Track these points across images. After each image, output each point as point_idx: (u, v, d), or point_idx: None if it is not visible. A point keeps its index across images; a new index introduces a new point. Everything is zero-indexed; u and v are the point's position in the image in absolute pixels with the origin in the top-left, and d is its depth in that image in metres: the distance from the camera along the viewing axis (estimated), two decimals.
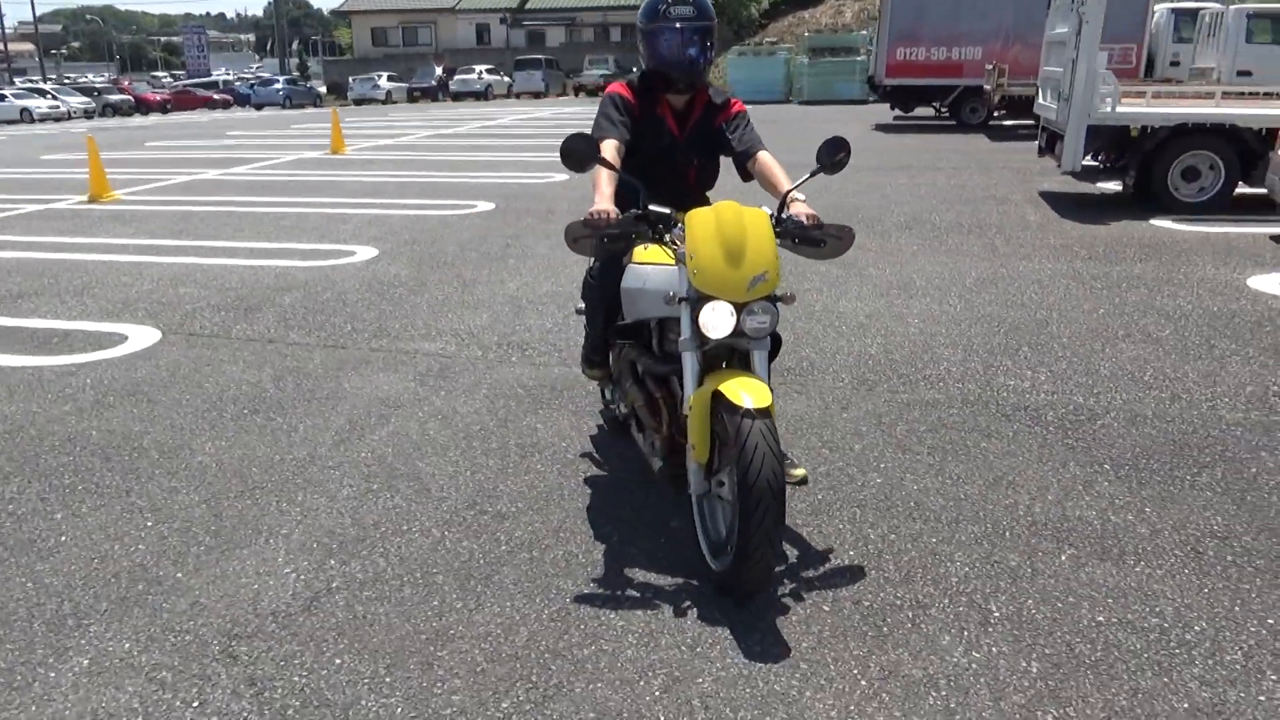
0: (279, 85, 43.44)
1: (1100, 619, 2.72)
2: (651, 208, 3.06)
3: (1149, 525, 3.26)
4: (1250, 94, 10.53)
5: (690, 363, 2.93)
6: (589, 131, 3.18)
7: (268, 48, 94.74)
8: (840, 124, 19.99)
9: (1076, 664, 2.52)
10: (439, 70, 45.52)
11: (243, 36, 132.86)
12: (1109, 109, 9.31)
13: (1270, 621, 2.71)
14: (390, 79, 44.16)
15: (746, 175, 3.52)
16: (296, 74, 58.72)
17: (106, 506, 3.52)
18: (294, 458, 3.94)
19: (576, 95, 42.76)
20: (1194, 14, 18.19)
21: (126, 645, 2.67)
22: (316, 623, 2.76)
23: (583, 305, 4.12)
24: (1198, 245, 7.91)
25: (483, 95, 43.04)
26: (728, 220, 2.89)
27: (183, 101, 42.50)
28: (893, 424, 4.20)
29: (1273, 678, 2.46)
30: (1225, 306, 6.03)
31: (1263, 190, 8.81)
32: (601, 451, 3.99)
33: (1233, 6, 16.88)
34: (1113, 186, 10.70)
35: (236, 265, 7.71)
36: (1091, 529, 3.24)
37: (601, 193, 3.16)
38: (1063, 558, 3.06)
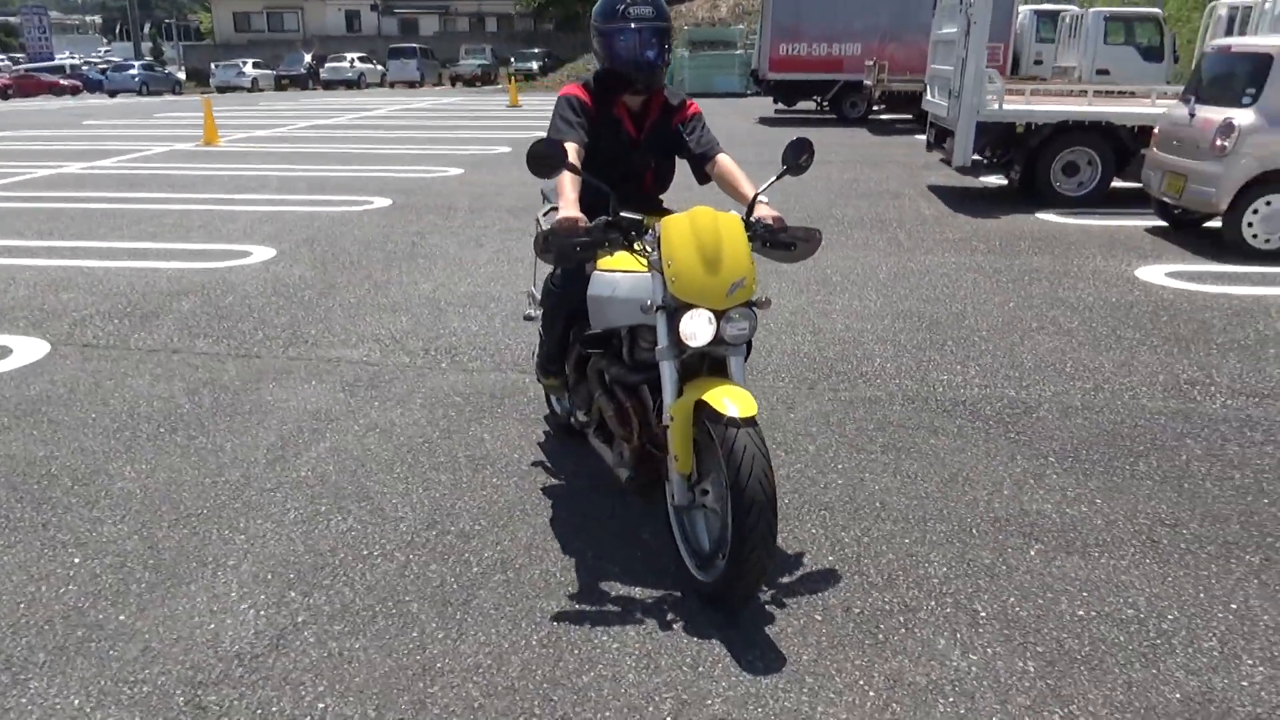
0: (134, 71, 40.86)
1: (1081, 613, 2.80)
2: (623, 214, 2.97)
3: (1103, 516, 3.38)
4: (1120, 93, 11.15)
5: (669, 372, 2.87)
6: (546, 134, 3.10)
7: (116, 31, 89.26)
8: (724, 117, 20.18)
9: (1069, 660, 2.58)
10: (308, 58, 43.86)
11: (88, 18, 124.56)
12: (996, 107, 9.69)
13: (1234, 606, 2.84)
14: (256, 66, 42.27)
15: (704, 178, 3.47)
16: (150, 59, 55.44)
17: (24, 543, 3.20)
18: (227, 480, 3.67)
19: (454, 85, 41.95)
20: (1054, 15, 19.19)
21: (76, 701, 2.42)
22: (288, 663, 2.57)
23: (533, 312, 4.01)
24: (1083, 238, 8.32)
25: (355, 84, 41.71)
26: (703, 226, 2.83)
27: (25, 87, 39.50)
28: (841, 423, 4.24)
29: (1249, 662, 2.57)
30: (1122, 297, 6.35)
31: (1136, 184, 9.35)
32: (555, 461, 3.88)
33: (1090, 10, 17.88)
34: (995, 181, 11.16)
35: (121, 268, 7.18)
36: (1051, 522, 3.34)
37: (566, 199, 3.06)
38: (1031, 553, 3.14)
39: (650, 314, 2.88)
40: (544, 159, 2.88)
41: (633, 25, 3.22)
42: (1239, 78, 7.64)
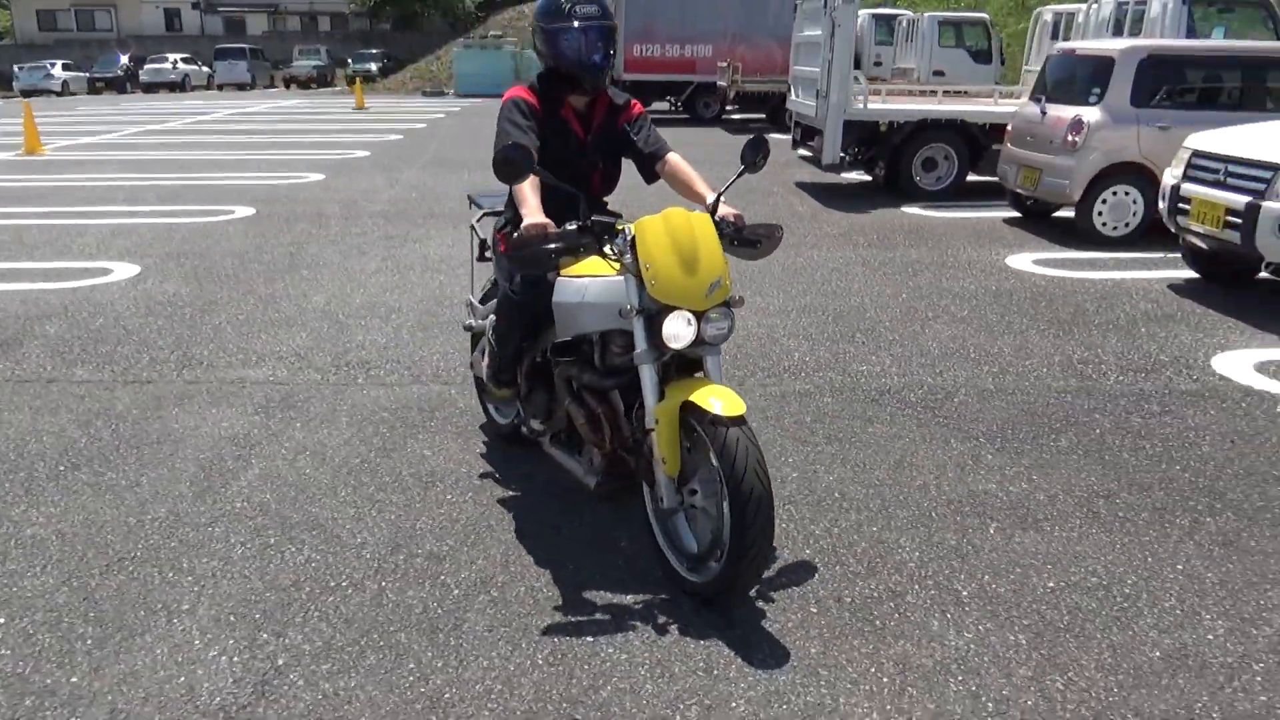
0: None
1: (1051, 585, 2.95)
2: (595, 217, 2.94)
3: (1044, 492, 3.58)
4: (966, 93, 11.82)
5: (650, 375, 2.84)
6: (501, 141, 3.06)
7: None
8: None
9: (1054, 630, 2.71)
10: (125, 58, 41.00)
11: None
12: (862, 106, 10.11)
13: (1180, 567, 3.06)
14: (66, 68, 39.15)
15: (653, 177, 3.46)
16: None
17: None
18: (154, 518, 3.39)
19: (287, 88, 40.18)
20: (890, 20, 20.18)
21: None
22: (281, 710, 2.39)
23: (474, 322, 3.89)
24: (951, 230, 8.79)
25: (179, 86, 39.31)
26: (678, 227, 2.82)
27: None
28: (779, 417, 4.31)
29: (1208, 618, 2.78)
30: (1001, 285, 6.74)
31: (988, 178, 9.94)
32: (506, 472, 3.77)
33: (926, 14, 18.89)
34: (858, 176, 11.63)
35: None
36: (1000, 501, 3.51)
37: (529, 205, 3.00)
38: (991, 531, 3.28)
39: (628, 318, 2.85)
40: (512, 164, 2.82)
41: (578, 25, 3.18)
42: (1084, 78, 8.25)
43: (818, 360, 5.09)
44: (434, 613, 2.81)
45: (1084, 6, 12.03)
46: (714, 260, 2.83)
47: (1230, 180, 5.96)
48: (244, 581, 2.97)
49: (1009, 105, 10.33)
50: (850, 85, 10.00)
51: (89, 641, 2.67)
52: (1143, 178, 7.91)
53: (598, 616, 2.80)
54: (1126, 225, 8.07)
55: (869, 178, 11.44)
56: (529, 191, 3.05)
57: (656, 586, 2.95)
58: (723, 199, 3.15)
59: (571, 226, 2.92)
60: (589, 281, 3.01)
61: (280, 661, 2.58)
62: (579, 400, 3.13)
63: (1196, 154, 6.38)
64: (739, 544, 2.62)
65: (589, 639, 2.68)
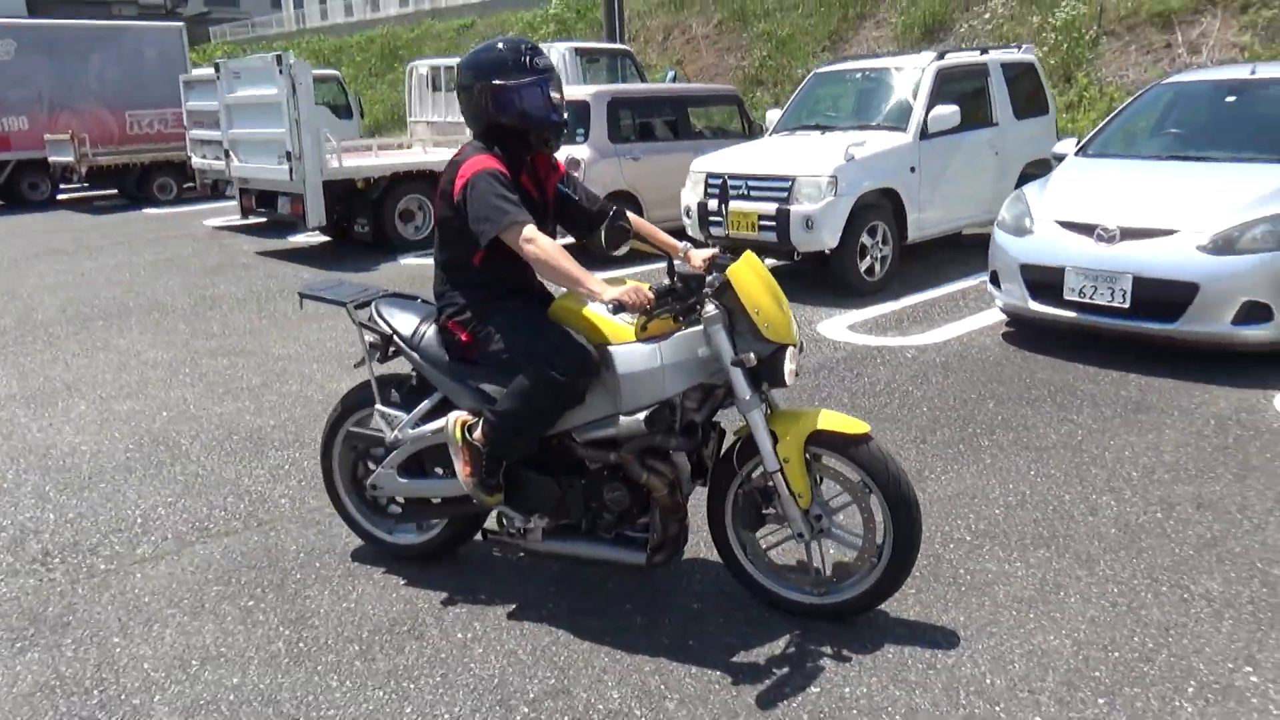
0: None
1: (997, 510, 3.69)
2: (680, 271, 2.82)
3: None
4: (403, 145, 12.18)
5: (760, 419, 2.84)
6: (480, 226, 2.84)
7: None
8: None
9: (1065, 541, 3.45)
10: None
11: None
12: (337, 164, 9.84)
13: (1024, 490, 4.05)
14: None
15: (585, 235, 3.32)
16: None
17: None
18: None
19: None
20: None
21: None
22: None
23: (398, 434, 3.23)
24: None
25: None
26: (760, 268, 2.90)
27: None
28: None
29: (1111, 500, 3.79)
30: None
31: None
32: (478, 592, 3.24)
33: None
34: (306, 239, 11.17)
35: None
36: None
37: (584, 274, 2.77)
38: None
39: (735, 367, 2.80)
40: (623, 231, 2.71)
41: (540, 77, 2.96)
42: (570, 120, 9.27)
43: None
44: None
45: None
46: (784, 297, 2.94)
47: (753, 193, 7.43)
48: None
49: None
50: (323, 144, 9.67)
51: None
52: (634, 203, 9.27)
53: (744, 686, 2.73)
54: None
55: (327, 238, 11.12)
56: (567, 262, 2.78)
57: (747, 639, 2.95)
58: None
59: (664, 285, 2.77)
60: (660, 344, 2.86)
61: None
62: (654, 471, 2.92)
63: (710, 175, 7.78)
64: (904, 544, 2.82)
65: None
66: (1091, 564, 3.26)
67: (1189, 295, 5.02)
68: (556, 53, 11.85)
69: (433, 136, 13.83)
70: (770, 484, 2.93)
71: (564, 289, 2.95)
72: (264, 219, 11.11)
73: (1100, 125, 6.81)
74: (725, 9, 18.32)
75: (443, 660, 2.86)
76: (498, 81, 2.94)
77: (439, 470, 3.28)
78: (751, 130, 10.49)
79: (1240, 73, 6.50)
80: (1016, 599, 3.06)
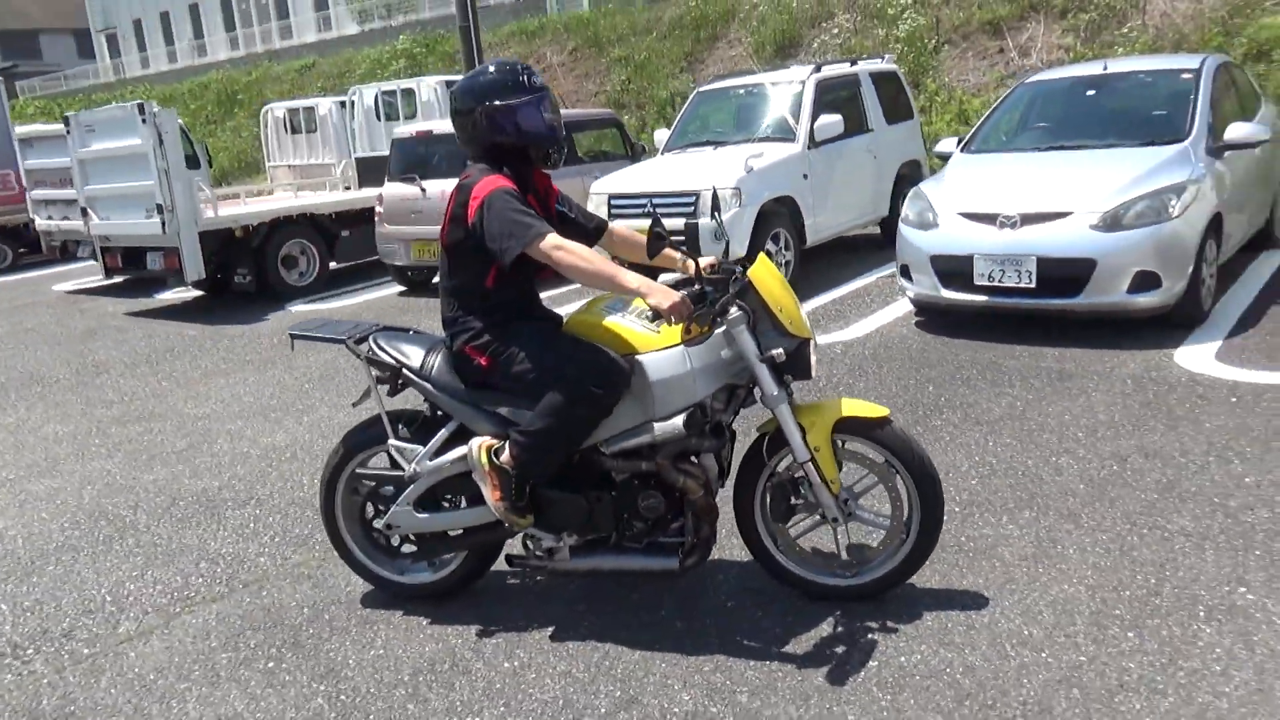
0: None
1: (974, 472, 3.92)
2: (708, 276, 2.92)
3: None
4: (300, 187, 11.78)
5: (789, 412, 2.96)
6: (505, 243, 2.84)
7: None
8: None
9: (1047, 498, 3.70)
10: None
11: None
12: (213, 214, 9.43)
13: (991, 461, 4.32)
14: None
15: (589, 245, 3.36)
16: None
17: None
18: None
19: None
20: None
21: None
22: None
23: (417, 467, 3.16)
24: (368, 311, 8.95)
25: None
26: (773, 269, 3.02)
27: None
28: None
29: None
30: None
31: (348, 262, 10.31)
32: (522, 624, 3.21)
33: None
34: (175, 295, 10.63)
35: None
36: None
37: (628, 272, 2.81)
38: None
39: (763, 363, 2.90)
40: (661, 239, 2.79)
41: (536, 95, 3.00)
42: (455, 153, 9.18)
43: None
44: None
45: (346, 97, 12.90)
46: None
47: (659, 210, 7.58)
48: None
49: (353, 194, 10.80)
50: (196, 194, 9.25)
51: None
52: None
53: (816, 670, 2.84)
54: None
55: (200, 292, 10.63)
56: (606, 261, 2.85)
57: (797, 622, 3.06)
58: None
59: (694, 290, 2.86)
60: (689, 349, 2.93)
61: None
62: (688, 475, 2.98)
63: (614, 196, 7.90)
64: (930, 518, 2.98)
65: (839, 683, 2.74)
66: (1075, 518, 3.52)
67: (1088, 270, 5.47)
68: (428, 86, 11.74)
69: (296, 180, 13.45)
70: (799, 474, 3.05)
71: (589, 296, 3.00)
72: (125, 278, 10.49)
73: (978, 124, 7.32)
74: (578, 37, 18.58)
75: (499, 691, 2.82)
76: (498, 103, 2.96)
77: (457, 501, 3.24)
78: (634, 152, 10.69)
79: (1094, 69, 7.14)
80: (1022, 557, 3.27)
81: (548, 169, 3.14)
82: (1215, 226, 5.80)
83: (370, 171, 11.87)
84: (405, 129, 9.94)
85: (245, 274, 9.95)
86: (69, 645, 3.32)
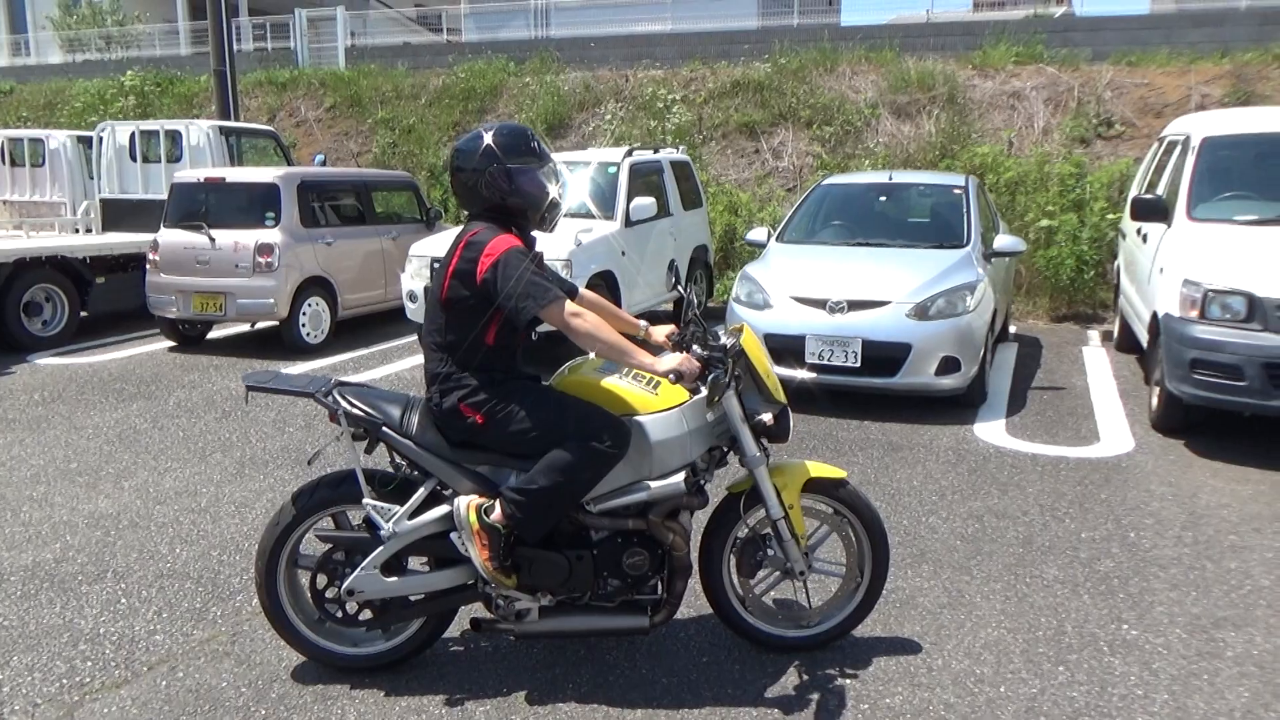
0: None
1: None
2: (713, 344, 3.07)
3: None
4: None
5: (766, 473, 3.17)
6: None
7: None
8: None
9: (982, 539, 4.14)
10: None
11: None
12: None
13: None
14: None
15: None
16: None
17: None
18: None
19: None
20: None
21: None
22: None
23: (397, 527, 3.01)
24: (185, 370, 8.12)
25: None
26: (756, 338, 3.24)
27: None
28: None
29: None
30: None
31: (105, 310, 9.32)
32: (488, 686, 3.10)
33: None
34: None
35: None
36: None
37: (638, 351, 2.93)
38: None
39: (751, 427, 3.10)
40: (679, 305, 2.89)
41: (542, 163, 3.08)
42: (249, 204, 8.64)
43: None
44: None
45: (96, 131, 11.54)
46: None
47: None
48: None
49: (112, 239, 9.74)
50: None
51: None
52: (328, 288, 8.90)
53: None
54: (322, 332, 8.92)
55: None
56: (617, 334, 2.92)
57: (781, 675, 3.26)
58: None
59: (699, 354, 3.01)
60: (680, 410, 3.06)
61: None
62: (675, 532, 3.08)
63: (434, 260, 7.79)
64: (879, 571, 3.30)
65: None
66: (966, 570, 3.99)
67: (905, 353, 6.20)
68: (199, 130, 10.91)
69: (16, 218, 11.91)
70: (767, 531, 3.25)
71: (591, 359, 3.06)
72: None
73: (787, 217, 8.08)
74: (335, 94, 18.05)
75: None
76: (512, 165, 2.99)
77: (427, 564, 3.12)
78: (429, 216, 10.58)
79: (881, 178, 8.17)
80: (940, 605, 3.67)
81: (544, 231, 3.19)
82: (993, 320, 6.80)
83: (118, 215, 10.83)
84: (188, 173, 9.20)
85: None
86: None
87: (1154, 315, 6.09)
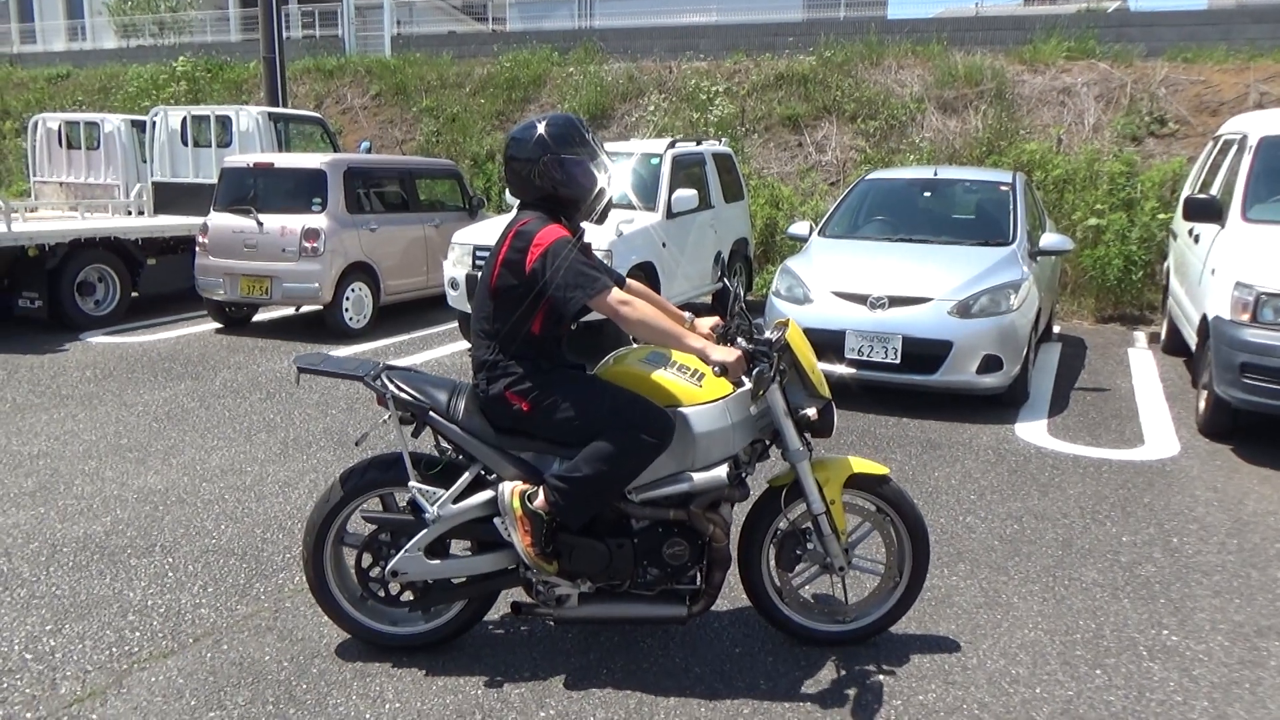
0: None
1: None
2: (758, 336, 3.09)
3: None
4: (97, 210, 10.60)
5: (809, 467, 3.17)
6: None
7: None
8: None
9: (1011, 544, 4.12)
10: None
11: None
12: (5, 228, 8.36)
13: None
14: None
15: None
16: None
17: None
18: None
19: None
20: None
21: None
22: None
23: (442, 510, 3.06)
24: (252, 351, 8.29)
25: None
26: (801, 333, 3.24)
27: None
28: None
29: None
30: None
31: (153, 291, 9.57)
32: (525, 676, 3.14)
33: None
34: None
35: None
36: None
37: (690, 337, 2.94)
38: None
39: (795, 421, 3.10)
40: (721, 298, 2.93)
41: (594, 153, 3.10)
42: (297, 189, 8.77)
43: None
44: None
45: (144, 116, 11.82)
46: None
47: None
48: None
49: (163, 221, 9.95)
50: None
51: None
52: (371, 275, 9.01)
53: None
54: (365, 317, 9.05)
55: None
56: (668, 320, 2.96)
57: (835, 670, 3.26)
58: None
59: (744, 347, 3.01)
60: (725, 403, 3.08)
61: None
62: (716, 524, 3.09)
63: (478, 247, 7.87)
64: (920, 563, 3.29)
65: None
66: (1004, 571, 3.96)
67: (945, 351, 6.15)
68: (249, 116, 11.09)
69: (69, 199, 12.19)
70: (807, 525, 3.26)
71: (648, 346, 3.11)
72: None
73: (830, 211, 8.03)
74: (381, 82, 18.22)
75: None
76: (564, 154, 3.01)
77: (470, 547, 3.17)
78: (471, 204, 10.67)
79: (926, 173, 8.09)
80: (977, 605, 3.65)
81: (594, 223, 3.22)
82: (1037, 320, 6.72)
83: (170, 198, 11.04)
84: (238, 158, 9.35)
85: (34, 298, 8.87)
86: (2, 710, 2.86)
87: (1203, 318, 5.99)
